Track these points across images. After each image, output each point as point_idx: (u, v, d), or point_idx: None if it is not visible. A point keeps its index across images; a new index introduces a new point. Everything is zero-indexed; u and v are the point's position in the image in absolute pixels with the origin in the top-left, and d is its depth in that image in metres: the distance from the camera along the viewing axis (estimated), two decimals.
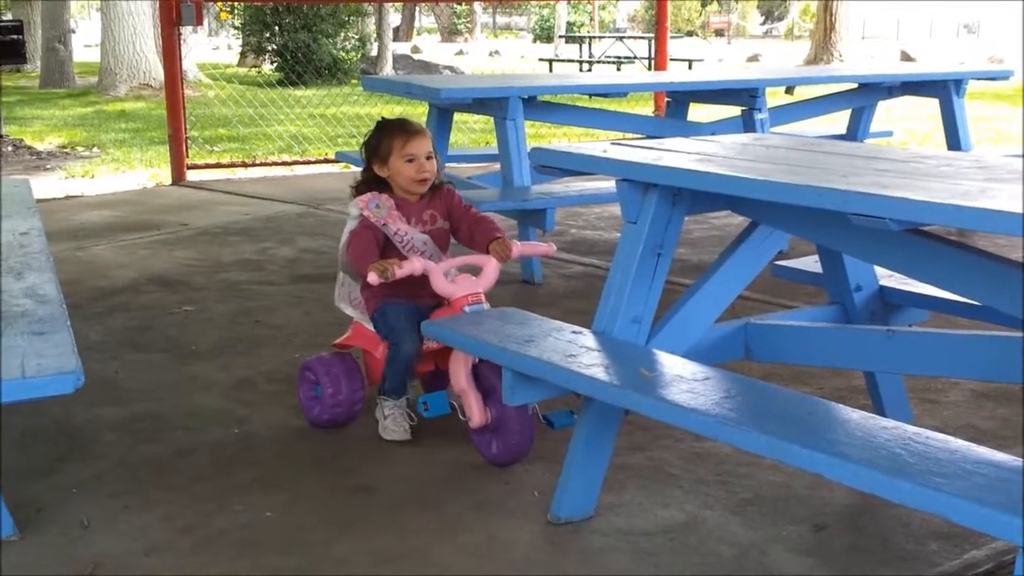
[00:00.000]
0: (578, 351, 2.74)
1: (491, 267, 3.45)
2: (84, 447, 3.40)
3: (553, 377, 2.68)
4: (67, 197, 8.09)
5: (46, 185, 8.47)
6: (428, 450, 3.38)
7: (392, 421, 3.43)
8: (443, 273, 3.41)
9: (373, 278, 3.27)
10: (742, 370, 2.88)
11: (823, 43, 22.95)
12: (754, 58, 29.48)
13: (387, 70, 24.02)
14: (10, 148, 10.65)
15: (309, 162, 9.72)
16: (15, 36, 10.39)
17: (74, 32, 20.46)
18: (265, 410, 3.72)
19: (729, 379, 2.58)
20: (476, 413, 3.24)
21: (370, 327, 3.55)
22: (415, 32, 46.99)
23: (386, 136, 3.54)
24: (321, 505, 3.01)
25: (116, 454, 3.34)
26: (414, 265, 3.34)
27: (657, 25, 10.61)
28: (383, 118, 3.70)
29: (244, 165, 9.38)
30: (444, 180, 3.68)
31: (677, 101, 6.89)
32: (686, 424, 2.41)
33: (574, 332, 2.90)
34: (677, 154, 2.94)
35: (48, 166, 10.02)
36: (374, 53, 24.74)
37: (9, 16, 29.80)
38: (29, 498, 2.99)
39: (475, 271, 3.48)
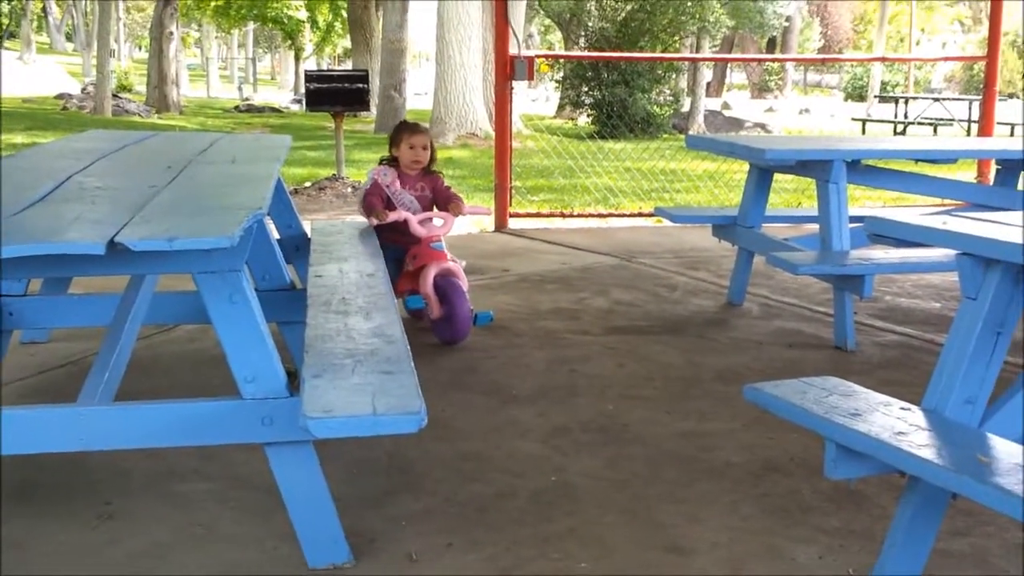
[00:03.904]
0: (908, 429, 2.67)
1: (448, 219, 5.42)
2: (414, 482, 3.59)
3: (881, 454, 2.62)
4: None
5: None
6: (742, 517, 3.38)
7: None
8: (417, 222, 5.28)
9: (371, 220, 5.17)
10: None
11: None
12: None
13: (698, 124, 24.16)
14: (349, 190, 11.37)
15: (623, 215, 9.89)
16: (360, 85, 11.10)
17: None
18: (581, 459, 3.82)
19: None
20: (436, 309, 5.20)
21: None
22: (725, 88, 46.80)
23: (399, 131, 5.60)
24: (632, 562, 3.06)
25: (443, 491, 3.52)
26: (398, 214, 5.27)
27: (985, 88, 10.08)
28: (403, 120, 6.27)
29: (562, 215, 9.63)
30: (438, 170, 5.65)
31: (1007, 169, 6.55)
32: None
33: (903, 408, 2.83)
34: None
35: None
36: (686, 108, 24.92)
37: (350, 66, 31.92)
38: (363, 528, 3.19)
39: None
